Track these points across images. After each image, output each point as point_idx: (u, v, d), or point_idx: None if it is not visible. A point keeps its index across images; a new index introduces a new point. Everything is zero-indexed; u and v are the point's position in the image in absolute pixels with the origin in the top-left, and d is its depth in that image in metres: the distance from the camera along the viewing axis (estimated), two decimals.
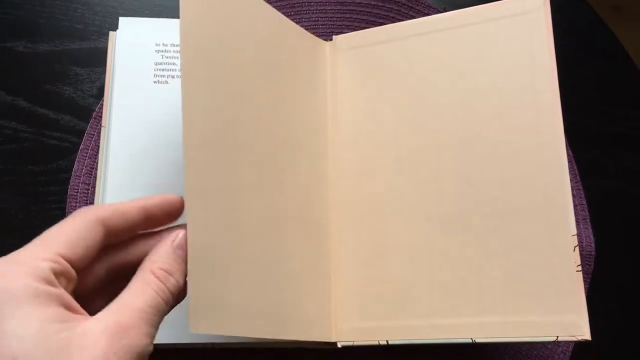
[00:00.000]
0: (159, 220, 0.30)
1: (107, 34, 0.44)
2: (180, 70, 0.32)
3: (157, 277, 0.26)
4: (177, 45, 0.44)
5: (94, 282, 0.28)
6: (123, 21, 0.44)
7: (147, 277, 0.26)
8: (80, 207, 0.42)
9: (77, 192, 0.43)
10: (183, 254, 0.28)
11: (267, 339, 0.34)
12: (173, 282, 0.27)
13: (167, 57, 0.44)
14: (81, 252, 0.25)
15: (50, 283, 0.24)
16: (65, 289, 0.25)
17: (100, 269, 0.28)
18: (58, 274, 0.24)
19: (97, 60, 0.46)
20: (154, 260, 0.27)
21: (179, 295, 0.28)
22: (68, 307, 0.24)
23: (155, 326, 0.26)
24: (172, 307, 0.28)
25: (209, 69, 0.33)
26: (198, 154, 0.31)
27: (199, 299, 0.29)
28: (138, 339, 0.24)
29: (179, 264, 0.28)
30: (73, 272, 0.25)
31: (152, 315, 0.25)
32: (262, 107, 0.37)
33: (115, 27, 0.44)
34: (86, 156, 0.43)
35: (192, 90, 0.31)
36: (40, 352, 0.22)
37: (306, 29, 0.46)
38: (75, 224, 0.26)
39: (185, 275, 0.28)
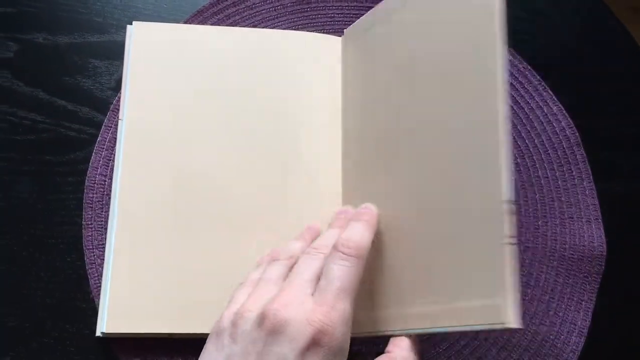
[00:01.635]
0: None
1: (126, 27, 0.45)
2: None
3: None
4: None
5: None
6: (138, 26, 0.45)
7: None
8: (97, 197, 0.43)
9: (94, 182, 0.43)
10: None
11: None
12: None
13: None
14: None
15: None
16: None
17: None
18: None
19: (116, 53, 0.47)
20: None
21: None
22: None
23: None
24: None
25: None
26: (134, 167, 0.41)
27: (117, 300, 0.38)
28: None
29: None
30: None
31: None
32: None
33: (133, 21, 0.45)
34: (103, 148, 0.44)
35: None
36: None
37: (322, 25, 0.47)
38: None
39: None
